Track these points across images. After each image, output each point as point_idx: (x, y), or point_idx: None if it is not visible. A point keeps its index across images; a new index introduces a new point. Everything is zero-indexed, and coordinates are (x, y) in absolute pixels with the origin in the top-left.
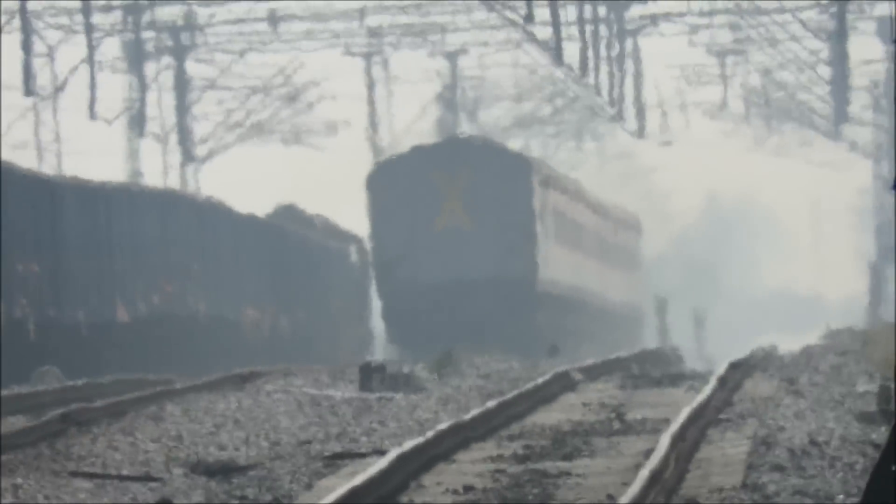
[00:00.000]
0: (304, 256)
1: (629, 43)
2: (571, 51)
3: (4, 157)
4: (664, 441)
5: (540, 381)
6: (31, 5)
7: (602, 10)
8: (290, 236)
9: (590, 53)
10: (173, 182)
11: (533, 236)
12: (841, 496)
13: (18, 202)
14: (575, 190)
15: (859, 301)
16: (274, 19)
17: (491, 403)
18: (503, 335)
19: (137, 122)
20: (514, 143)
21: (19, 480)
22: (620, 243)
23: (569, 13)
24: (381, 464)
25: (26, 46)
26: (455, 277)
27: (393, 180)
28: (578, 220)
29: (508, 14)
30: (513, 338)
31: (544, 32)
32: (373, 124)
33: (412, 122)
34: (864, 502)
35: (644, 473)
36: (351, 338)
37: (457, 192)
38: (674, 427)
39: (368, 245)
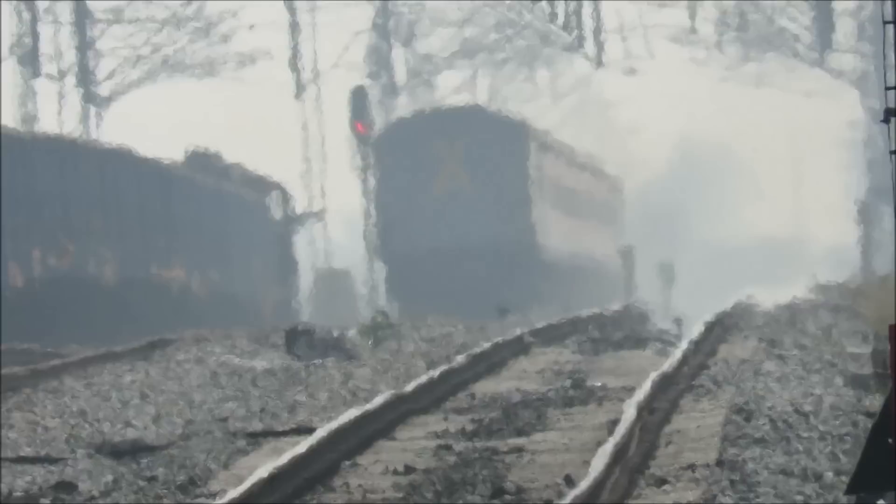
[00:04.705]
0: (217, 209)
1: None
2: None
3: None
4: (629, 412)
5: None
6: None
7: None
8: (202, 187)
9: None
10: (73, 127)
11: (528, 199)
12: (830, 474)
13: None
14: (568, 154)
15: (849, 248)
16: None
17: (434, 372)
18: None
19: (30, 61)
20: (459, 75)
21: None
22: (606, 202)
23: None
24: (309, 442)
25: None
26: (454, 237)
27: (398, 144)
28: (570, 182)
29: None
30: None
31: None
32: (296, 55)
33: (340, 54)
34: (857, 481)
35: (607, 449)
36: (273, 298)
37: (457, 156)
38: (640, 395)
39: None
